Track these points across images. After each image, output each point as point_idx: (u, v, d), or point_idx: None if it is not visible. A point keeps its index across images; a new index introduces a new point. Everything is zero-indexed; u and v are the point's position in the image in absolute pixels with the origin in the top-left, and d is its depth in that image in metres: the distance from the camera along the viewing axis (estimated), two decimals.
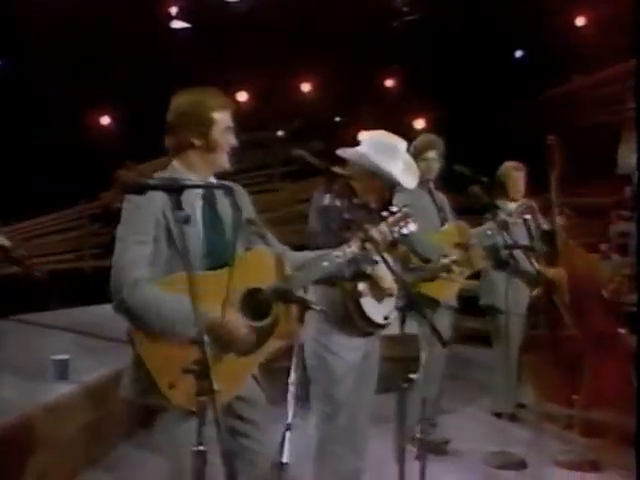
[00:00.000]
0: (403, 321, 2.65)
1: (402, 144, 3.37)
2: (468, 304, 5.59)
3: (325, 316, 3.31)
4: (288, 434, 2.23)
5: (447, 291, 4.36)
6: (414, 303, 2.62)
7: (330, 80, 8.90)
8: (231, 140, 2.67)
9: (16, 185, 6.88)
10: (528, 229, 4.98)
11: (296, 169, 8.43)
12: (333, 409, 3.34)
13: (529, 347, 4.98)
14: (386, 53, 8.64)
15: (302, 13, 8.37)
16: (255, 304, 2.57)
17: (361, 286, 3.24)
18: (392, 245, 3.22)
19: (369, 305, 3.26)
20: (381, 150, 3.30)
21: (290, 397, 2.29)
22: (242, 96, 9.08)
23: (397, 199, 4.39)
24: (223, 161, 2.66)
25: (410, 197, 4.38)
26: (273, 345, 2.62)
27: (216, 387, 1.93)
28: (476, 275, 5.15)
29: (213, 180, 2.71)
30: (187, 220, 2.10)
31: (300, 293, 2.63)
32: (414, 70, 8.69)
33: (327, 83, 9.01)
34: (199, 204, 2.63)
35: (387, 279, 3.25)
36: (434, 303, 4.28)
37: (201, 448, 1.94)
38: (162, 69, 8.04)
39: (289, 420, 2.25)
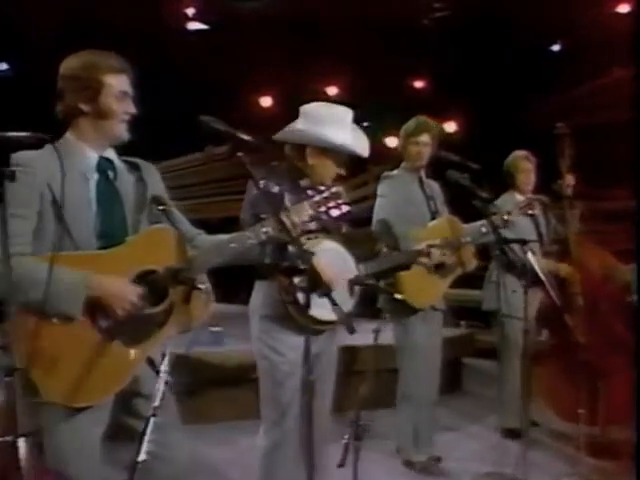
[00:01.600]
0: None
1: (346, 111, 3.16)
2: (481, 316, 5.29)
3: (267, 313, 3.12)
4: (152, 422, 2.01)
5: (429, 295, 4.06)
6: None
7: (357, 83, 8.69)
8: (127, 107, 2.48)
9: None
10: (536, 225, 4.66)
11: None
12: (279, 414, 3.12)
13: (539, 357, 4.61)
14: (416, 53, 8.36)
15: (326, 12, 8.20)
16: (150, 288, 2.38)
17: (297, 280, 3.01)
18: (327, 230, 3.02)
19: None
20: (323, 121, 3.09)
21: (160, 383, 2.07)
22: (266, 101, 8.98)
23: (382, 187, 4.19)
24: (118, 130, 2.47)
25: (397, 185, 4.17)
26: (168, 334, 2.42)
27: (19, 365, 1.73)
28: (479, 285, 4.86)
29: (111, 153, 2.53)
30: (12, 178, 1.91)
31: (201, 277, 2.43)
32: (445, 70, 8.39)
33: (354, 86, 8.79)
34: (94, 177, 2.45)
35: (326, 272, 3.01)
36: (409, 308, 4.00)
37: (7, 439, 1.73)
38: (179, 74, 8.01)
39: (156, 404, 2.03)
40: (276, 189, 3.04)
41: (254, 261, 2.76)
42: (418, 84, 8.92)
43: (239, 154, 2.38)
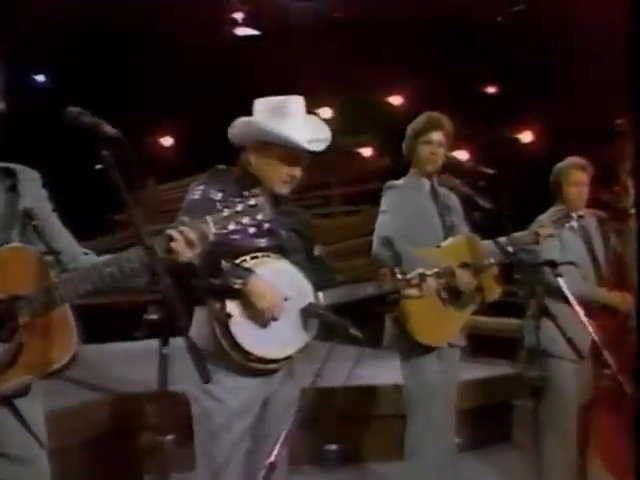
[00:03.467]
0: None
1: (296, 100, 2.74)
2: None
3: (202, 347, 2.64)
4: None
5: (443, 331, 3.52)
6: None
7: (423, 90, 8.15)
8: None
9: None
10: (588, 244, 4.00)
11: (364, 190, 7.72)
12: (213, 472, 2.64)
13: (595, 404, 3.94)
14: (488, 54, 7.74)
15: (387, 13, 7.74)
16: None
17: (230, 305, 2.55)
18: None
19: (245, 331, 2.56)
20: (269, 112, 2.70)
21: None
22: (325, 112, 8.55)
23: (385, 200, 3.69)
24: None
25: (402, 196, 3.64)
26: (17, 381, 2.00)
27: None
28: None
29: None
30: None
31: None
32: (521, 73, 7.72)
33: (420, 94, 8.26)
34: None
35: (268, 296, 2.54)
36: (420, 346, 3.47)
37: None
38: (228, 84, 7.75)
39: None
40: (218, 196, 2.61)
41: (144, 288, 2.30)
42: (490, 90, 8.27)
43: (104, 153, 1.94)
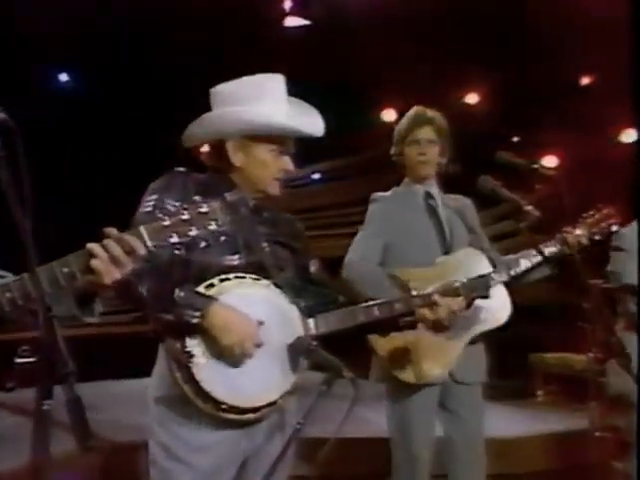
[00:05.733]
0: None
1: (275, 78, 2.45)
2: None
3: (163, 394, 2.33)
4: None
5: (425, 365, 3.10)
6: None
7: (504, 87, 7.73)
8: None
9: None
10: None
11: None
12: None
13: None
14: (579, 40, 7.24)
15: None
16: None
17: (191, 343, 2.21)
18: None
19: (211, 374, 2.22)
20: (244, 97, 2.40)
21: None
22: (389, 115, 8.29)
23: (368, 214, 3.38)
24: None
25: (389, 209, 3.33)
26: None
27: None
28: None
29: None
30: None
31: None
32: (622, 60, 7.19)
33: (500, 91, 7.84)
34: None
35: (234, 329, 2.19)
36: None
37: None
38: None
39: None
40: (174, 207, 2.27)
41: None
42: (584, 80, 7.79)
43: None
